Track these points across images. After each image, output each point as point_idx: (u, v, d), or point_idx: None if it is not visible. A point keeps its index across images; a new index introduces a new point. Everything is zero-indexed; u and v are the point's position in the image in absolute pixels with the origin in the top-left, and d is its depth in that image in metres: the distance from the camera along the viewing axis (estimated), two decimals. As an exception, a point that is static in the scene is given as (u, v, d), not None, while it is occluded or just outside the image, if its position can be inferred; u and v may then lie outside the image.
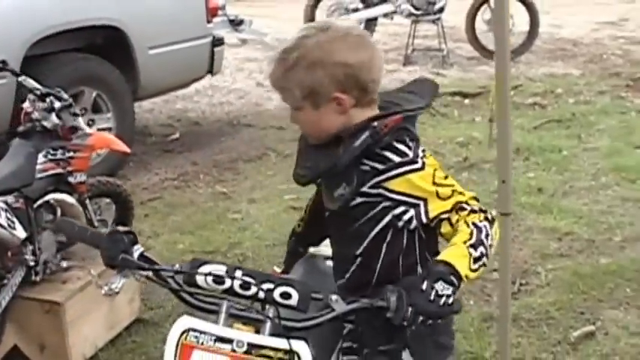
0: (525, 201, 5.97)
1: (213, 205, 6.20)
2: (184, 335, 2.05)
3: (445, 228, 2.25)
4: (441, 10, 10.82)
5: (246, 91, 9.65)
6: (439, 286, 2.05)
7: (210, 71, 7.56)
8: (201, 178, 6.80)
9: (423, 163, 2.26)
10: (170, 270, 2.16)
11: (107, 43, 6.61)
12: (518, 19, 10.51)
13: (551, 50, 11.50)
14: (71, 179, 4.23)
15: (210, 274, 2.08)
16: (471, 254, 2.13)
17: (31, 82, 4.23)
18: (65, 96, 4.19)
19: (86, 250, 4.43)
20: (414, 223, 2.27)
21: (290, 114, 2.37)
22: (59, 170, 4.16)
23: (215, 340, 2.04)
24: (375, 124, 2.26)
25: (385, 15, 11.16)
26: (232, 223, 5.85)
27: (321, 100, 2.27)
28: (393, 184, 2.26)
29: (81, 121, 4.22)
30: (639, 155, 7.06)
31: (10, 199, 3.90)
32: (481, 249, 2.15)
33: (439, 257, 2.15)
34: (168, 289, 2.20)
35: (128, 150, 4.84)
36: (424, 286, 2.04)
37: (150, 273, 2.19)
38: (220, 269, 2.09)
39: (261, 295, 2.06)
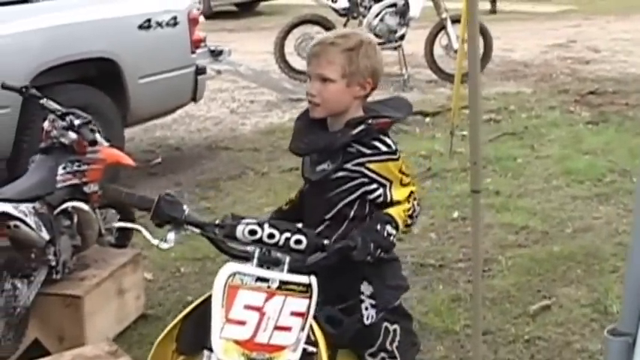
0: (484, 202, 6.31)
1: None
2: (230, 278, 2.54)
3: None
4: (402, 37, 11.22)
5: (221, 119, 10.04)
6: (388, 227, 2.79)
7: (194, 98, 7.93)
8: (186, 197, 7.07)
9: (399, 157, 2.96)
10: (214, 225, 2.70)
11: (100, 74, 6.95)
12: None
13: (503, 72, 11.94)
14: (86, 189, 4.63)
15: (248, 224, 2.63)
16: (405, 220, 2.90)
17: (52, 104, 4.68)
18: (84, 114, 4.62)
19: (97, 252, 4.91)
20: (381, 199, 2.94)
21: (311, 84, 2.94)
22: (76, 181, 4.58)
23: (256, 280, 2.56)
24: (370, 121, 2.91)
25: (351, 44, 11.52)
26: (218, 234, 6.27)
27: (355, 81, 2.92)
28: (373, 166, 2.92)
29: (98, 136, 4.63)
30: (587, 160, 7.60)
31: (36, 205, 4.33)
32: (413, 220, 2.95)
33: (384, 211, 2.87)
34: (210, 241, 2.72)
35: (134, 164, 5.19)
36: (378, 227, 2.78)
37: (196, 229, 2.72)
38: (253, 221, 2.65)
39: (282, 242, 2.62)
